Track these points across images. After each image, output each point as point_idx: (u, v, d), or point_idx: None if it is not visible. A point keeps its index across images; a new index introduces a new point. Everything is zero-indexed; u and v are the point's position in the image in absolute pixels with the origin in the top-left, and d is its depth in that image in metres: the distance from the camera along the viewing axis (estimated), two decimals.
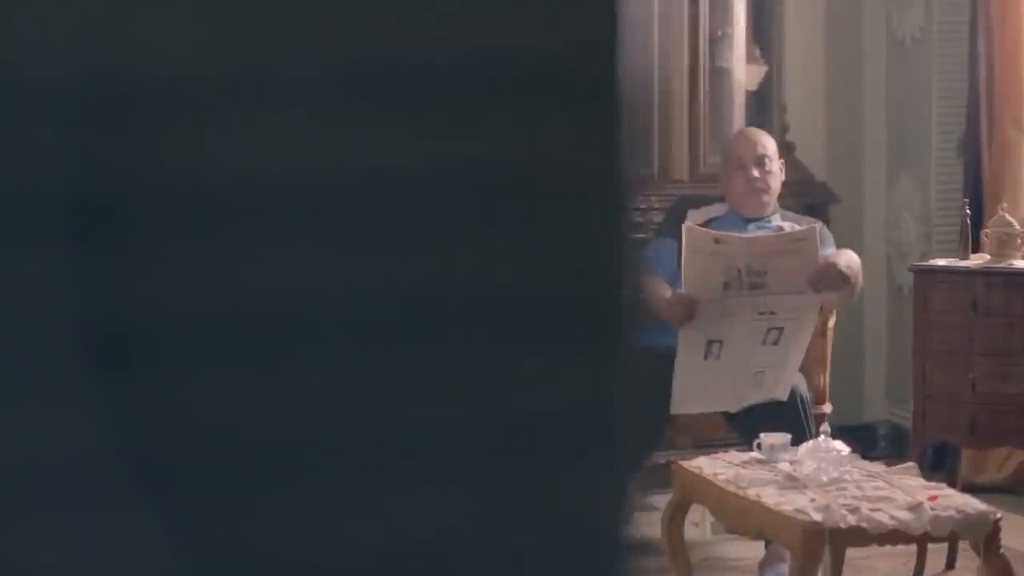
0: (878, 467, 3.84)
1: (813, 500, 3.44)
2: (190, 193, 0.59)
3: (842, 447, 3.72)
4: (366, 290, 0.58)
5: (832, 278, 4.41)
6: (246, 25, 0.58)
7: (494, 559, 0.60)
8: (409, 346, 0.58)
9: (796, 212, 5.62)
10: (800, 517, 3.35)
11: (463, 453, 0.59)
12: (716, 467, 3.86)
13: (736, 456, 3.97)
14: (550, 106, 0.55)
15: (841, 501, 3.43)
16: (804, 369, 4.75)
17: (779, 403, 4.35)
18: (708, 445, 4.79)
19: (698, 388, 4.49)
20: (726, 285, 4.46)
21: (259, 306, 0.58)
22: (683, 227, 4.51)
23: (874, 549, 3.77)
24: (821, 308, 4.69)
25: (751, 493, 3.57)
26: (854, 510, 3.36)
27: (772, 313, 4.47)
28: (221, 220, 0.59)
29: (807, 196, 6.17)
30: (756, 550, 4.38)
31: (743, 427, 4.35)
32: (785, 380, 4.40)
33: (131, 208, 0.59)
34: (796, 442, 3.91)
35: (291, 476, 0.57)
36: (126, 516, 0.60)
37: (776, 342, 4.46)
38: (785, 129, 6.19)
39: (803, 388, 4.49)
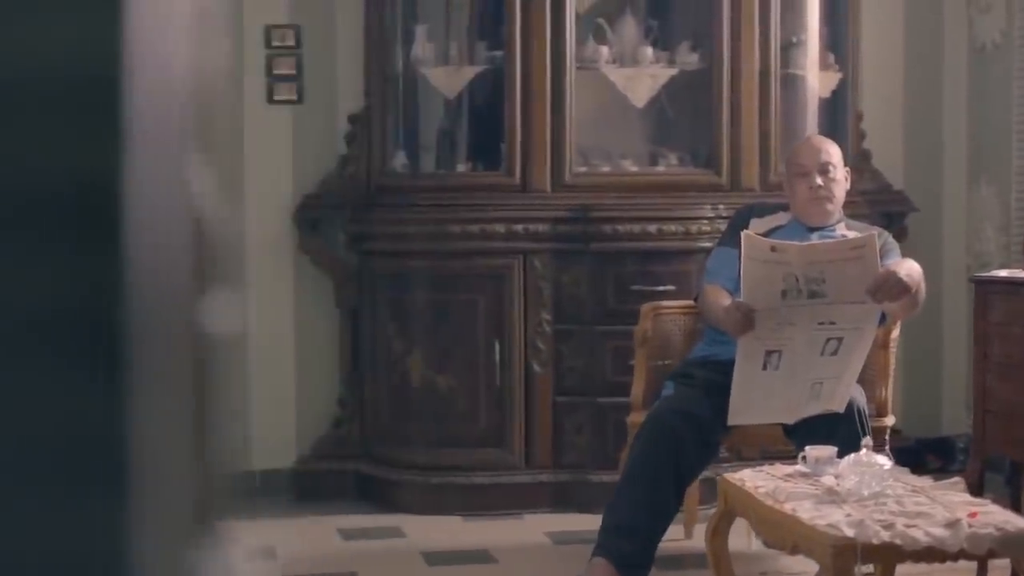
0: (924, 482, 3.75)
1: (848, 515, 3.37)
2: None
3: (885, 461, 3.64)
4: None
5: (892, 287, 4.31)
6: None
7: None
8: None
9: (869, 221, 5.52)
10: (832, 532, 3.28)
11: None
12: (758, 480, 3.80)
13: (781, 469, 3.91)
14: (35, 112, 0.53)
15: (877, 516, 3.35)
16: (867, 381, 4.67)
17: (836, 415, 4.29)
18: (775, 457, 4.73)
19: (755, 399, 4.43)
20: (784, 294, 4.38)
21: None
22: (741, 235, 4.45)
23: (934, 565, 3.68)
24: (886, 319, 4.61)
25: (787, 507, 3.51)
26: (889, 526, 3.29)
27: (832, 323, 4.39)
28: None
29: (884, 205, 6.08)
30: (813, 564, 4.31)
31: (800, 439, 4.28)
32: (842, 392, 4.33)
33: None
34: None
35: None
36: None
37: (835, 352, 4.38)
38: (861, 137, 6.09)
39: (861, 400, 4.41)
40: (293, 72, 5.82)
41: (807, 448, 3.90)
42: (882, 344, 4.70)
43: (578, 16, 5.69)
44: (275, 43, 5.80)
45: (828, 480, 3.70)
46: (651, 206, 5.53)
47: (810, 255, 4.36)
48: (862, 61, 6.05)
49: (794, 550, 3.46)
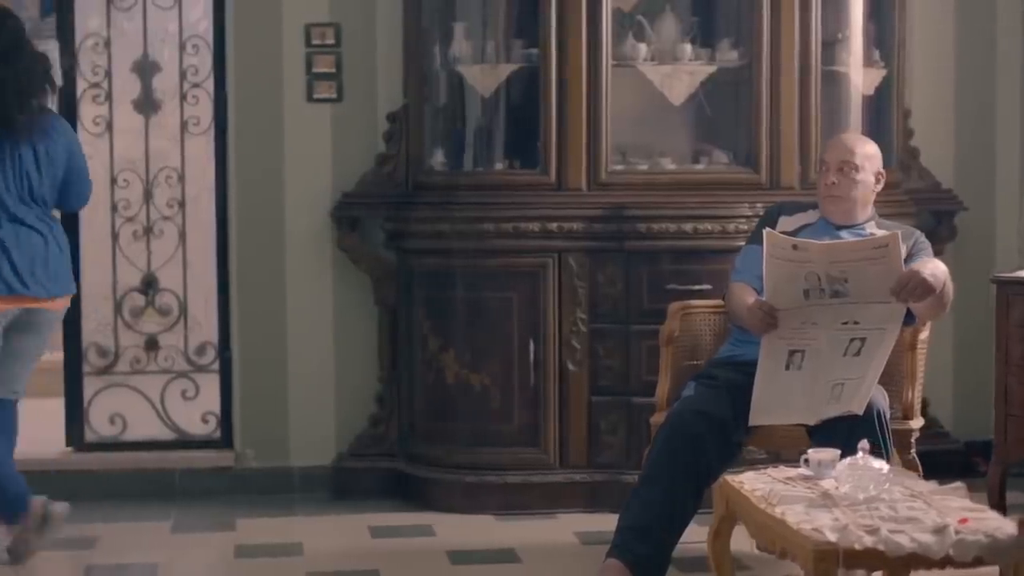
0: (925, 486, 3.66)
1: (836, 519, 3.30)
2: None
3: (882, 465, 3.56)
4: None
5: (915, 287, 4.23)
6: None
7: None
8: None
9: (917, 220, 5.43)
10: (815, 536, 3.22)
11: None
12: (758, 482, 3.74)
13: (783, 471, 3.84)
14: None
15: (865, 521, 3.28)
16: (894, 383, 4.58)
17: (856, 417, 4.21)
18: None
19: (777, 399, 4.38)
20: (807, 293, 4.32)
21: None
22: (764, 232, 4.39)
23: (960, 571, 3.58)
24: (914, 320, 4.52)
25: (778, 510, 3.44)
26: (873, 531, 3.21)
27: (856, 323, 4.31)
28: None
29: (933, 203, 5.98)
30: None
31: (820, 441, 4.21)
32: (863, 393, 4.26)
33: None
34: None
35: None
36: None
37: (857, 353, 4.31)
38: (909, 134, 5.98)
39: (882, 403, 4.32)
40: (333, 70, 5.84)
41: (809, 451, 3.83)
42: (909, 345, 4.61)
43: (621, 13, 5.65)
44: (315, 41, 5.83)
45: (828, 483, 3.63)
46: (687, 204, 5.48)
47: (832, 254, 4.29)
48: (911, 57, 5.93)
49: (783, 554, 3.39)
